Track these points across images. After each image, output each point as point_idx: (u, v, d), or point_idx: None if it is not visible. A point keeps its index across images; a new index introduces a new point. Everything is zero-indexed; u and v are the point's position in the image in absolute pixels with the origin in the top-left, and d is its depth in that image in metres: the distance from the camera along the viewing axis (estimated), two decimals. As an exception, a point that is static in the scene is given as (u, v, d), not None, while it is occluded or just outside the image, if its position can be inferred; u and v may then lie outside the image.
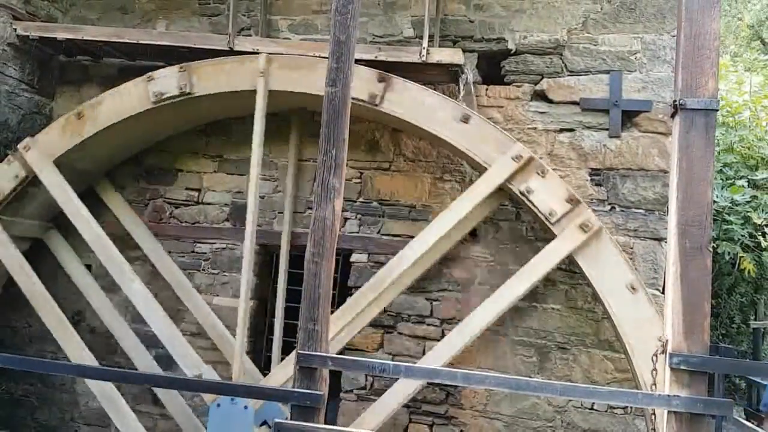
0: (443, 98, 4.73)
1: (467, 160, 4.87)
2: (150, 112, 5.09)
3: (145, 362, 5.51)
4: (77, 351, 5.15)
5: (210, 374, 5.07)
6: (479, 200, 4.63)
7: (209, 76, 4.97)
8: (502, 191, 4.76)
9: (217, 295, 5.67)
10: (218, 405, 4.68)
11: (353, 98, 4.66)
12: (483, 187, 4.61)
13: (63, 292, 5.80)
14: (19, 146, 5.19)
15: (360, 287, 5.33)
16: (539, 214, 4.50)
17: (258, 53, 5.00)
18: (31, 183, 5.27)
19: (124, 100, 5.07)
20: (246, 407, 4.63)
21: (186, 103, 5.08)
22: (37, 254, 5.76)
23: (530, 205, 4.52)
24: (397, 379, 4.71)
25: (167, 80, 5.00)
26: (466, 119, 4.62)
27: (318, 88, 4.68)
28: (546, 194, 4.48)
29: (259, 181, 4.90)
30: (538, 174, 4.51)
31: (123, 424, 5.01)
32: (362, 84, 4.65)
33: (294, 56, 4.92)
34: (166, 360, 5.58)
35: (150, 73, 5.03)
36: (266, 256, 5.78)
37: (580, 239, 4.39)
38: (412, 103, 4.69)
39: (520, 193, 4.54)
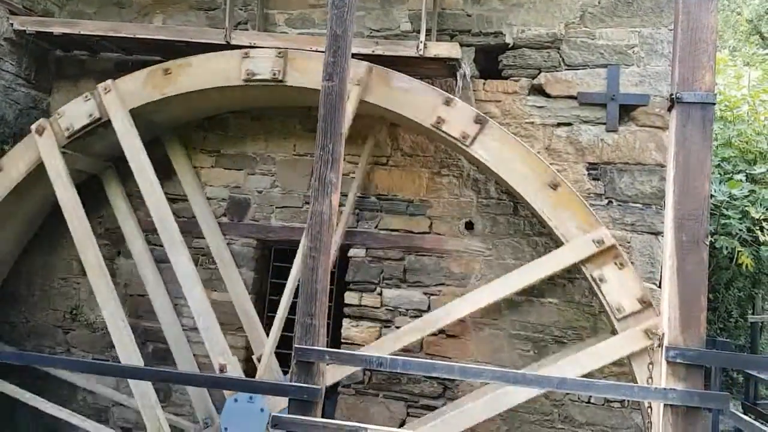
0: (536, 159, 4.53)
1: (545, 225, 4.62)
2: (236, 87, 5.02)
3: (182, 349, 5.47)
4: (112, 309, 5.05)
5: (236, 366, 4.96)
6: (545, 275, 4.48)
7: (304, 68, 4.84)
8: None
9: (215, 290, 5.66)
10: (235, 400, 4.65)
11: (444, 132, 4.61)
12: (553, 262, 4.45)
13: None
14: (99, 86, 5.13)
15: (358, 282, 5.36)
16: (606, 305, 4.28)
17: (253, 47, 5.00)
18: (102, 124, 5.20)
19: (215, 70, 4.99)
20: (262, 409, 4.58)
21: (273, 88, 5.00)
22: (89, 191, 5.70)
23: (599, 293, 4.31)
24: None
25: (263, 62, 4.90)
26: (555, 186, 4.43)
27: (421, 116, 4.63)
28: (619, 288, 4.25)
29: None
30: (616, 265, 4.28)
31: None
32: (458, 120, 4.58)
33: (398, 74, 4.77)
34: (163, 353, 5.62)
35: (247, 50, 4.94)
36: (264, 250, 5.79)
37: (643, 344, 4.10)
38: (503, 154, 4.52)
39: (592, 278, 4.32)
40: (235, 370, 4.92)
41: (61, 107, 5.34)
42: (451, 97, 4.65)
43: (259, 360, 5.14)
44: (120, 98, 5.11)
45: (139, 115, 5.17)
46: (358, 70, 4.72)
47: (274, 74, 4.87)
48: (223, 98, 5.34)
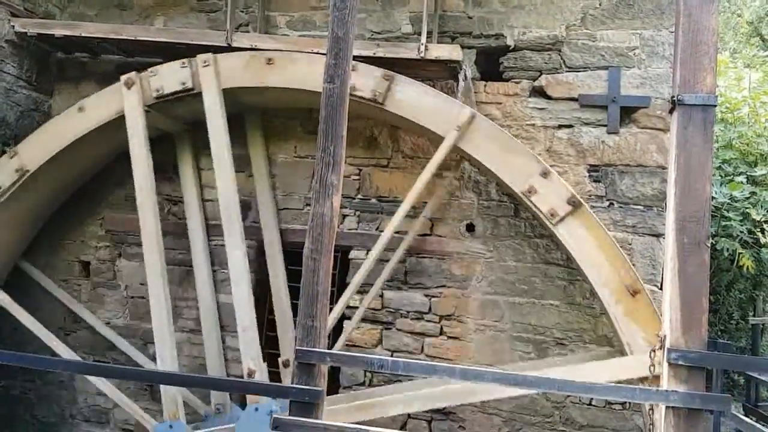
0: (622, 259, 4.31)
1: (612, 326, 4.41)
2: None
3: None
4: (159, 280, 5.00)
5: (264, 373, 4.85)
6: (608, 379, 4.27)
7: (409, 98, 4.72)
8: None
9: (217, 292, 5.66)
10: (256, 409, 4.63)
11: (533, 203, 4.44)
12: (612, 370, 4.20)
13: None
14: (199, 57, 5.03)
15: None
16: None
17: (254, 49, 5.00)
18: (192, 94, 5.10)
19: (317, 72, 4.70)
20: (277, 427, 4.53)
21: (370, 107, 4.85)
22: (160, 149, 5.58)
23: (648, 417, 4.14)
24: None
25: (365, 79, 4.74)
26: (634, 292, 4.23)
27: (513, 181, 4.49)
28: None
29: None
30: None
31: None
32: (551, 195, 4.44)
33: (500, 130, 4.70)
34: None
35: (355, 63, 4.65)
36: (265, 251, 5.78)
37: None
38: (588, 244, 4.35)
39: None
40: (262, 377, 4.83)
41: (84, 100, 5.28)
42: (549, 170, 4.52)
43: (284, 364, 5.11)
44: (216, 75, 5.00)
45: (228, 92, 5.08)
46: (461, 114, 4.61)
47: (375, 95, 4.74)
48: (315, 101, 5.23)
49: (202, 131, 5.16)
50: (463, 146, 4.66)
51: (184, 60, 5.09)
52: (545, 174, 4.49)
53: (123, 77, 5.14)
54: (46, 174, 5.42)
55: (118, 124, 5.17)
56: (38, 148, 5.28)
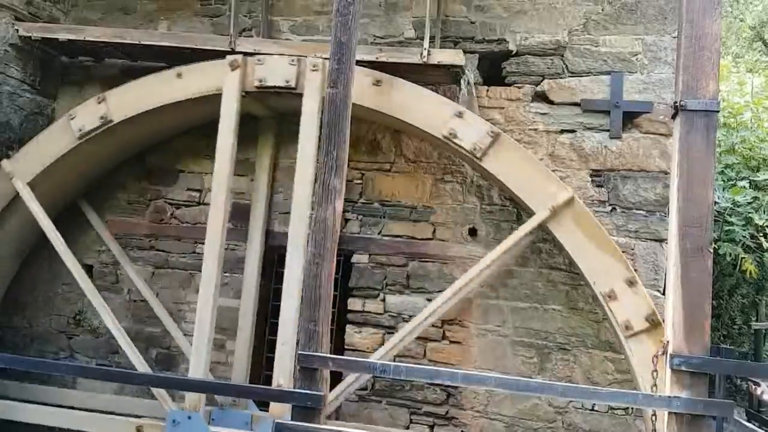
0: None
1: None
2: (432, 135, 4.77)
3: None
4: (212, 278, 4.89)
5: (290, 384, 4.70)
6: None
7: (508, 162, 4.59)
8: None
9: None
10: (274, 422, 4.60)
11: (613, 312, 4.27)
12: None
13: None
14: (309, 60, 4.87)
15: (361, 288, 5.36)
16: None
17: (258, 53, 5.02)
18: (293, 93, 4.95)
19: (422, 109, 4.77)
20: None
21: (469, 159, 4.77)
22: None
23: None
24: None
25: (471, 130, 4.63)
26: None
27: (598, 282, 4.34)
28: None
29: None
30: None
31: None
32: (629, 307, 4.26)
33: (597, 223, 4.52)
34: (165, 357, 5.62)
35: (464, 111, 4.71)
36: (269, 255, 5.78)
37: None
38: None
39: None
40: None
41: (182, 67, 5.17)
42: (636, 279, 4.33)
43: None
44: (322, 82, 4.75)
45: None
46: (558, 195, 4.48)
47: (474, 149, 4.62)
48: (416, 134, 5.18)
49: (288, 124, 5.15)
50: (552, 228, 4.53)
51: (293, 57, 4.95)
52: (631, 283, 4.31)
53: (229, 57, 5.00)
54: (125, 128, 5.36)
55: (206, 100, 5.11)
56: (128, 101, 5.22)
